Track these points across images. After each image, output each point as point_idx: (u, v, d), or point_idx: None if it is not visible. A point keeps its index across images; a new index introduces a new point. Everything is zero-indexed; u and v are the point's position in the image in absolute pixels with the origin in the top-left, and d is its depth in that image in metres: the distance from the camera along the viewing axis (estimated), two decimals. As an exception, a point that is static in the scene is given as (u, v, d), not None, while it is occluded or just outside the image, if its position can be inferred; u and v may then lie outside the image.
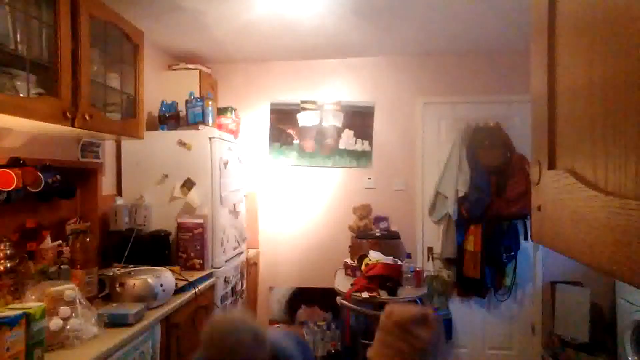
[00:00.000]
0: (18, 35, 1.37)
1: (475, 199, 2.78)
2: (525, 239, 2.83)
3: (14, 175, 1.50)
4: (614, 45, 0.38)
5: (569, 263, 2.59)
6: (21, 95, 1.36)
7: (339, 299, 2.32)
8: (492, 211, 2.78)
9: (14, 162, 1.58)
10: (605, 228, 0.37)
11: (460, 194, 2.82)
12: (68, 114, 1.49)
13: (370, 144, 3.10)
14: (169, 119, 2.54)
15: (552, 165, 0.52)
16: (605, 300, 2.75)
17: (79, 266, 1.66)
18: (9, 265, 1.48)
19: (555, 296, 2.82)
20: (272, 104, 3.18)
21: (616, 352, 2.55)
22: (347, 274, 2.68)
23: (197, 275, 2.06)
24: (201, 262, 2.22)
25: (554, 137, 0.52)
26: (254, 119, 3.18)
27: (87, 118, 1.58)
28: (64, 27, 1.49)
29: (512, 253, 2.80)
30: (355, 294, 2.24)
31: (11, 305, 1.27)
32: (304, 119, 3.15)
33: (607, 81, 0.39)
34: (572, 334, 2.64)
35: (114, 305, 1.58)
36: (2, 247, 1.49)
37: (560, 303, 2.78)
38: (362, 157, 3.10)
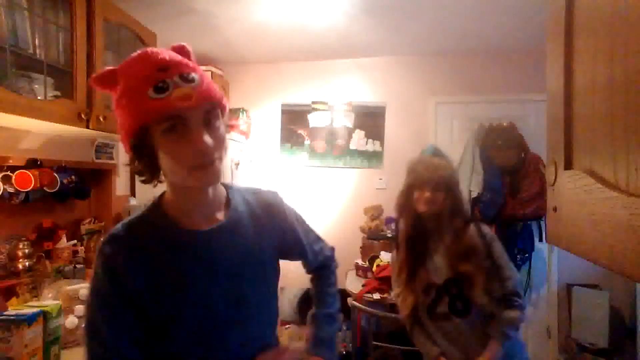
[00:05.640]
0: (37, 40, 1.41)
1: (488, 199, 2.73)
2: (540, 240, 2.77)
3: (32, 176, 1.54)
4: (637, 41, 0.36)
5: (585, 265, 2.52)
6: (39, 98, 1.39)
7: (350, 300, 2.31)
8: (506, 212, 2.73)
9: (32, 164, 1.62)
10: (628, 230, 0.36)
11: (474, 195, 2.77)
12: (83, 116, 1.52)
13: (382, 145, 3.08)
14: (182, 120, 2.56)
15: (568, 166, 0.51)
16: (624, 304, 2.67)
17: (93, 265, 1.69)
18: (27, 264, 1.52)
19: (571, 299, 2.75)
20: (283, 105, 3.19)
21: (637, 358, 2.48)
22: (358, 275, 2.66)
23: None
24: (213, 262, 2.24)
25: (570, 137, 0.51)
26: (265, 119, 3.20)
27: (101, 119, 1.60)
28: (79, 31, 1.52)
29: (527, 255, 2.74)
30: (366, 295, 2.23)
31: (29, 303, 1.31)
32: (315, 119, 3.15)
33: (629, 78, 0.37)
34: (590, 338, 2.57)
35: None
36: (21, 246, 1.54)
37: (577, 306, 2.71)
38: (373, 158, 3.09)
